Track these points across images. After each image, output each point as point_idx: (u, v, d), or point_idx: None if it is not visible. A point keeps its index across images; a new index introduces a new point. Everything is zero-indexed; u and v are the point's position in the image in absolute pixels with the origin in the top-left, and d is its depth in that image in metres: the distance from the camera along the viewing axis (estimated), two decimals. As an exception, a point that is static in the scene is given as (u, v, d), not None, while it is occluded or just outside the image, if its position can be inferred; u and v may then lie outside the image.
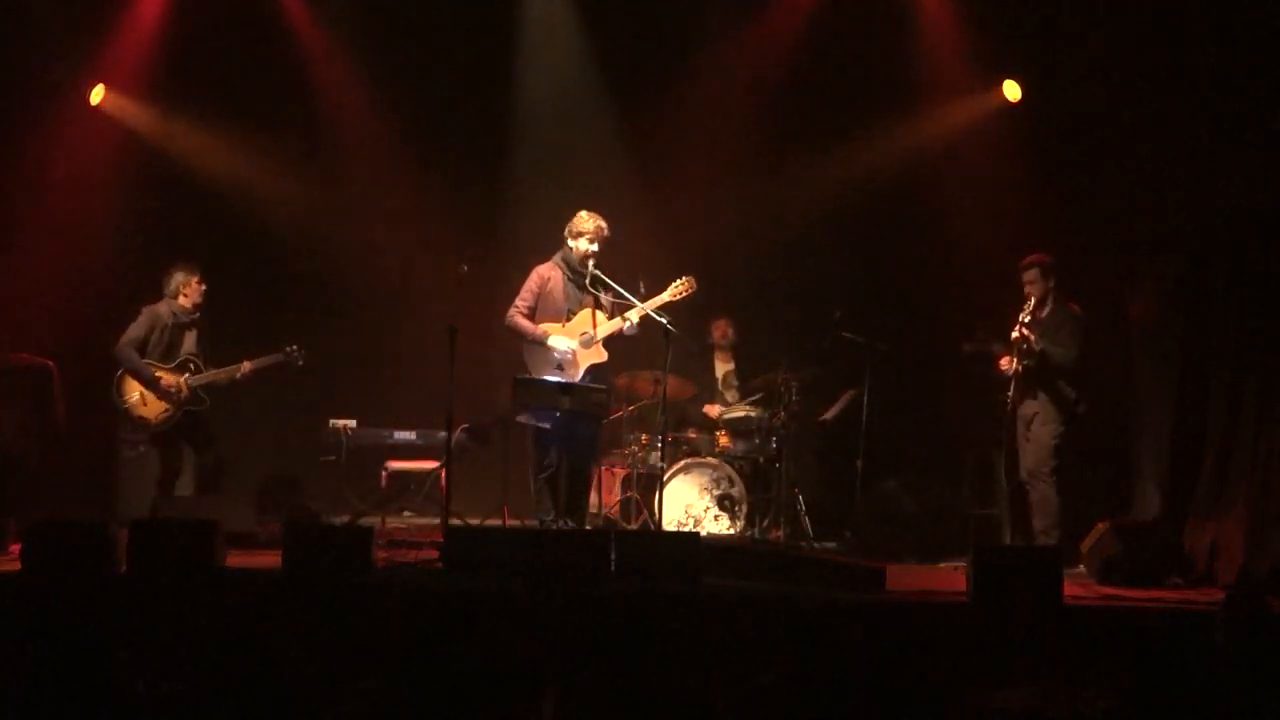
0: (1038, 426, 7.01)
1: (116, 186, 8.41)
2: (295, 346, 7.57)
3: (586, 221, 6.99)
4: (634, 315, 6.88)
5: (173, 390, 7.34)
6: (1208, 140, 7.33)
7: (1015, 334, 7.02)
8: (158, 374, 7.32)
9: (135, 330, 7.34)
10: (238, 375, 7.48)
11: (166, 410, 7.35)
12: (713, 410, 8.20)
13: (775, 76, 8.71)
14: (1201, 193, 7.40)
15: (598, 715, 4.69)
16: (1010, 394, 7.08)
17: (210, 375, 7.46)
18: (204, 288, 7.46)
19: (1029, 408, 7.05)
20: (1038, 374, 7.01)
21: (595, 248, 6.95)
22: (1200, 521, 6.94)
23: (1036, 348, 6.94)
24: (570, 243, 7.03)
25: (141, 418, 7.34)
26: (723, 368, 8.49)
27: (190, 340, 7.49)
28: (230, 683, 4.75)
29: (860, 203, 8.66)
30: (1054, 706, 4.74)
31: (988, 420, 7.88)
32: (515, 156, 9.08)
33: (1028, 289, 7.11)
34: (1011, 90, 8.21)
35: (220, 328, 7.75)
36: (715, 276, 8.21)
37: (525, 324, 6.99)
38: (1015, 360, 7.03)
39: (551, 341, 6.93)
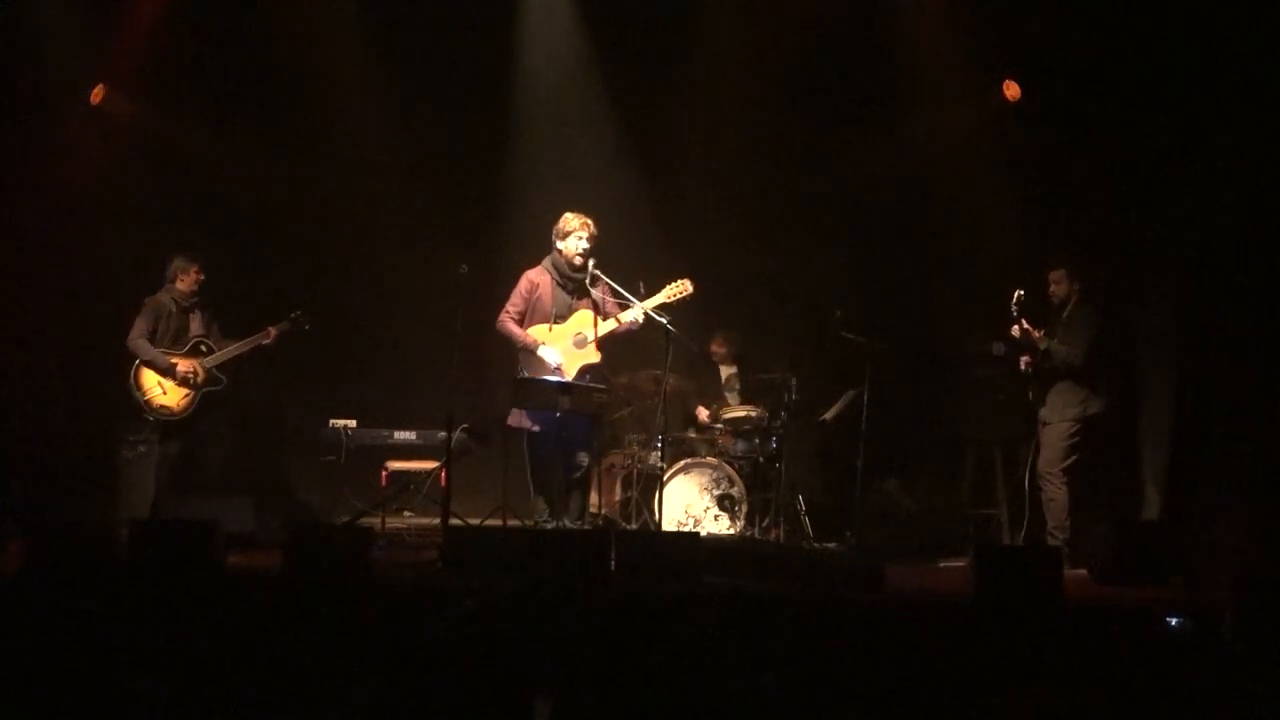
0: (1048, 426, 7.06)
1: (119, 187, 8.40)
2: (298, 312, 7.70)
3: (574, 222, 6.99)
4: (636, 313, 6.88)
5: (190, 374, 7.44)
6: (1209, 141, 7.34)
7: (1015, 331, 7.06)
8: (173, 360, 7.41)
9: (142, 322, 7.46)
10: (265, 341, 7.63)
11: (188, 395, 7.46)
12: (702, 413, 8.19)
13: (774, 76, 8.71)
14: (1202, 194, 7.41)
15: (597, 716, 4.69)
16: (1031, 394, 7.14)
17: (226, 351, 7.56)
18: (201, 275, 7.59)
19: (1043, 407, 7.10)
20: (1049, 373, 7.05)
21: (587, 246, 6.95)
22: (1200, 521, 6.95)
23: (1041, 345, 6.99)
24: (559, 245, 7.03)
25: (164, 407, 7.41)
26: (726, 371, 8.49)
27: (196, 324, 7.61)
28: (230, 683, 4.75)
29: (860, 203, 8.67)
30: (1054, 706, 4.74)
31: (988, 420, 7.89)
32: (515, 157, 9.07)
33: (1052, 289, 7.15)
34: (1011, 90, 8.21)
35: (221, 326, 7.78)
36: (715, 276, 8.22)
37: (515, 330, 7.01)
38: (1029, 359, 7.10)
39: (540, 352, 6.95)
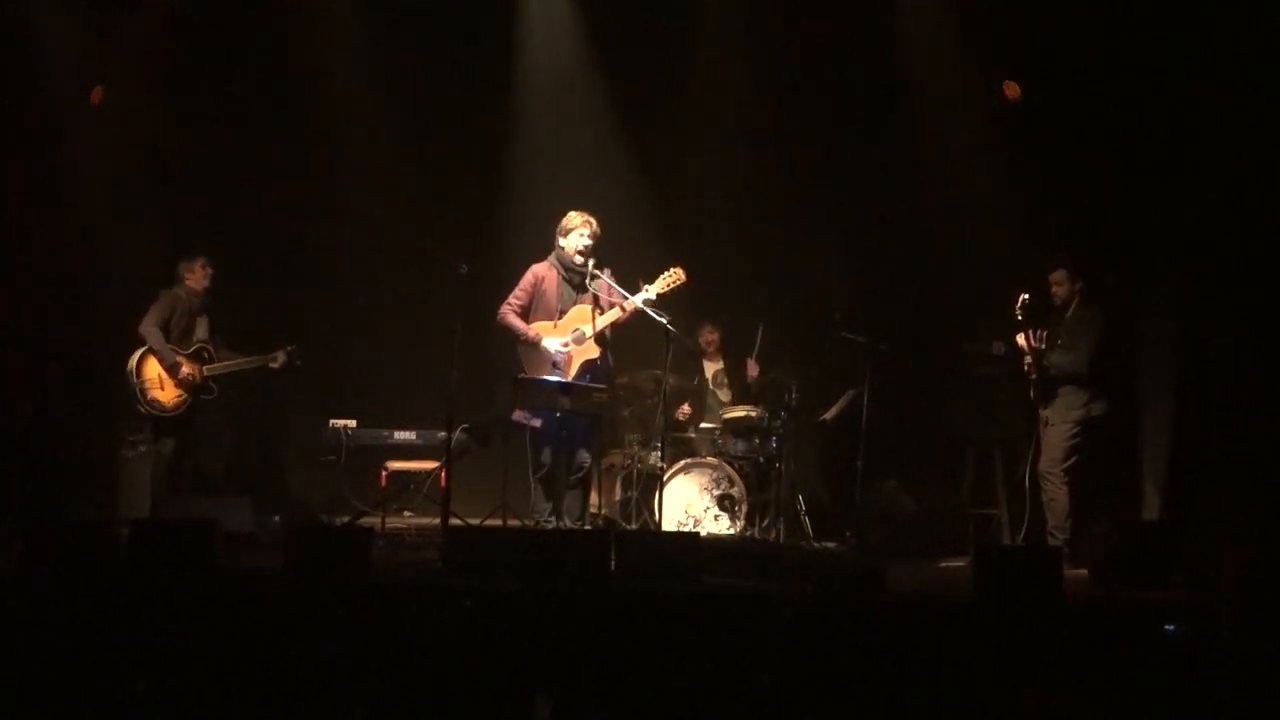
0: (1051, 427, 7.06)
1: (119, 187, 8.41)
2: (293, 346, 7.76)
3: (576, 220, 7.02)
4: (635, 302, 6.89)
5: (190, 376, 7.45)
6: (1209, 140, 7.35)
7: (1020, 340, 7.07)
8: (179, 358, 7.45)
9: (158, 312, 7.47)
10: (271, 364, 7.72)
11: (180, 396, 7.47)
12: (684, 411, 8.21)
13: (774, 76, 8.72)
14: (1203, 194, 7.41)
15: (597, 716, 4.70)
16: (1033, 394, 7.14)
17: (225, 365, 7.62)
18: (208, 269, 7.67)
19: (1046, 407, 7.10)
20: (1051, 376, 7.05)
21: (589, 243, 6.97)
22: (1200, 521, 6.95)
23: (1045, 361, 7.00)
24: (561, 241, 7.05)
25: (155, 400, 7.39)
26: (712, 367, 8.51)
27: (202, 327, 7.66)
28: (230, 683, 4.75)
29: (860, 202, 8.67)
30: (1054, 706, 4.74)
31: (988, 420, 7.89)
32: (515, 156, 9.08)
33: (1054, 290, 7.16)
34: (1011, 90, 8.21)
35: (220, 327, 7.79)
36: (714, 277, 8.23)
37: (517, 323, 7.03)
38: (1031, 362, 7.11)
39: (545, 343, 6.96)
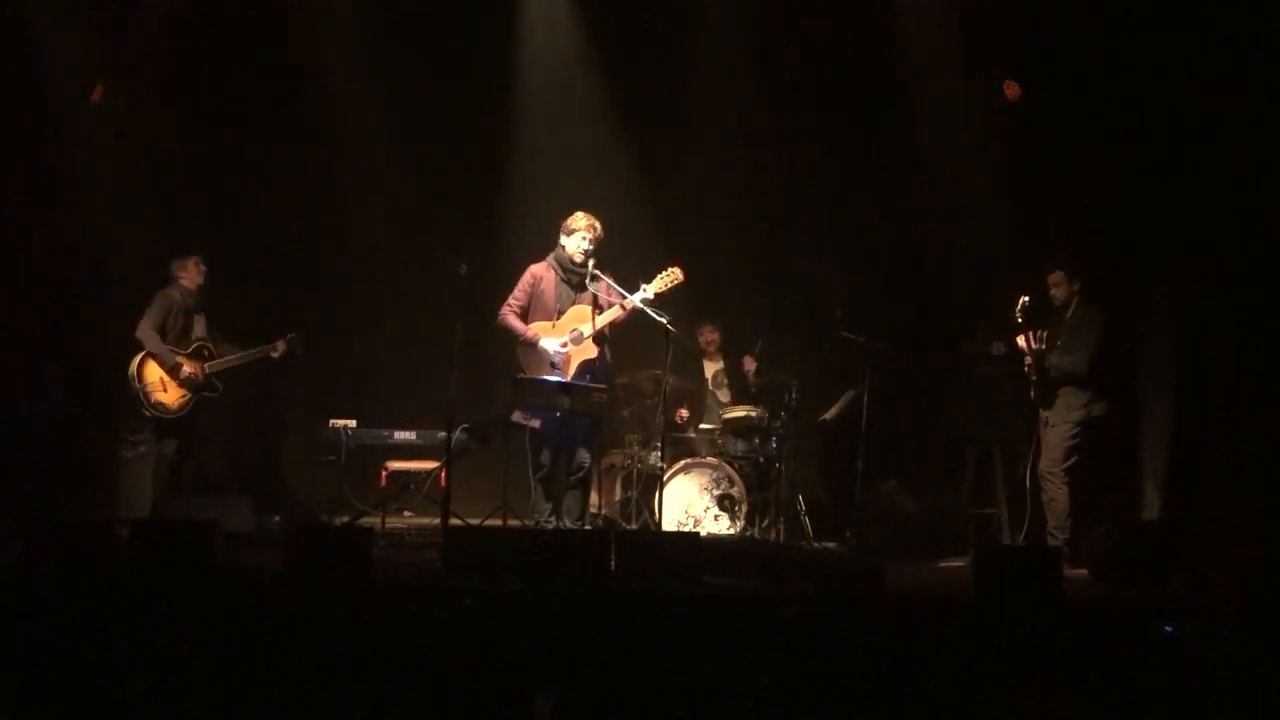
0: (1051, 428, 7.06)
1: (119, 187, 8.41)
2: (293, 334, 7.80)
3: (580, 220, 7.03)
4: (633, 301, 6.89)
5: (193, 376, 7.47)
6: (1209, 140, 7.35)
7: (1020, 342, 7.06)
8: (179, 359, 7.47)
9: (154, 314, 7.48)
10: (272, 354, 7.75)
11: (184, 396, 7.49)
12: (682, 414, 8.22)
13: (774, 76, 8.72)
14: (1203, 194, 7.41)
15: (597, 716, 4.70)
16: (1033, 394, 7.13)
17: (226, 360, 7.63)
18: (203, 267, 7.68)
19: (1047, 408, 7.10)
20: (1052, 378, 7.05)
21: (590, 245, 6.98)
22: (1200, 521, 6.95)
23: (1045, 362, 7.00)
24: (564, 239, 7.06)
25: (160, 402, 7.42)
26: (712, 367, 8.52)
27: (200, 325, 7.67)
28: (230, 683, 4.75)
29: (860, 202, 8.67)
30: (1054, 706, 4.75)
31: (988, 420, 7.90)
32: (515, 156, 9.08)
33: (1053, 291, 7.16)
34: (1011, 90, 8.21)
35: (220, 326, 7.79)
36: (714, 278, 8.22)
37: (517, 324, 7.04)
38: (1031, 363, 7.10)
39: (543, 344, 6.97)
